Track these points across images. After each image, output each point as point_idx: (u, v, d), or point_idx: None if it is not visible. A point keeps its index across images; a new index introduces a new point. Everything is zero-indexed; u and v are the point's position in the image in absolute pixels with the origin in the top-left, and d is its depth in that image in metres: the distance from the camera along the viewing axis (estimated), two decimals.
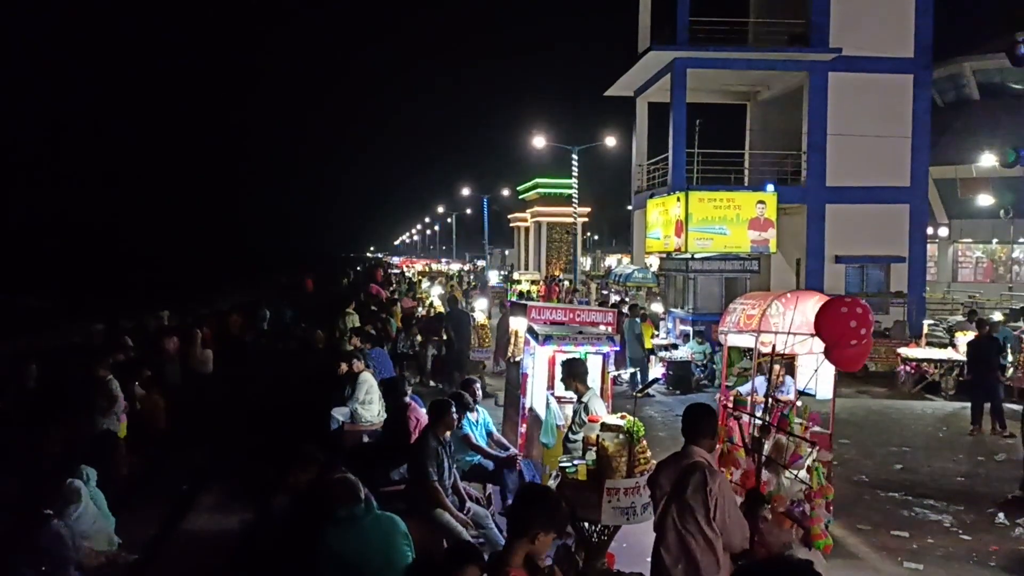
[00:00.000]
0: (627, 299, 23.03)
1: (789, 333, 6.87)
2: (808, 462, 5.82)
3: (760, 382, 7.78)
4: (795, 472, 5.68)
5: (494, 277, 42.44)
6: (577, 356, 7.55)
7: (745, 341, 8.24)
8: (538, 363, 8.27)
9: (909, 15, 22.95)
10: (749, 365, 9.72)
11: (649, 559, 4.87)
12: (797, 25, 23.37)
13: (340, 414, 9.83)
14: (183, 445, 11.68)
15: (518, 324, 10.26)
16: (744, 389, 8.58)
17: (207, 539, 8.29)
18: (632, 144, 28.98)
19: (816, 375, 7.07)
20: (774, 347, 6.98)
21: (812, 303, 7.07)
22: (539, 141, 33.94)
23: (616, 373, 8.88)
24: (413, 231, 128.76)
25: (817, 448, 6.24)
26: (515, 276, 41.85)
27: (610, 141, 33.65)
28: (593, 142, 34.26)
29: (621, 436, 5.90)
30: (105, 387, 11.00)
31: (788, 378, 8.54)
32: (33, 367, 15.02)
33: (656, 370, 16.76)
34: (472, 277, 48.41)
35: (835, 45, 22.34)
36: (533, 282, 36.94)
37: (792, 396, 7.88)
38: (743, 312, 7.90)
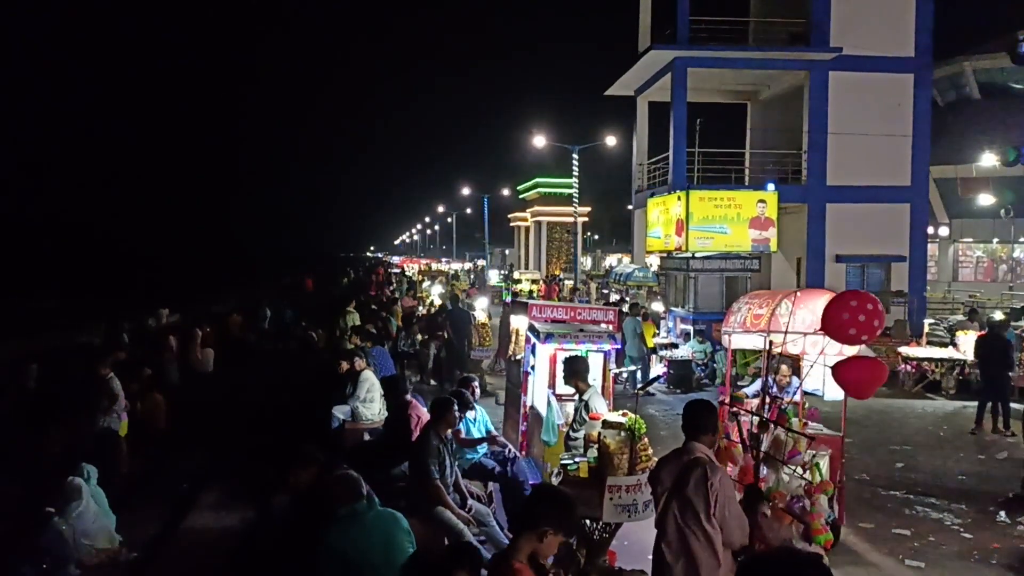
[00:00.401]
0: (627, 298, 23.02)
1: (800, 333, 6.79)
2: (806, 458, 5.81)
3: (770, 382, 7.72)
4: (793, 468, 5.68)
5: (494, 276, 42.43)
6: (578, 354, 7.55)
7: (750, 341, 8.16)
8: (539, 361, 8.26)
9: (909, 14, 22.93)
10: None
11: (650, 557, 4.86)
12: (797, 24, 23.36)
13: (341, 412, 9.81)
14: (183, 444, 11.68)
15: (519, 322, 10.25)
16: (751, 390, 8.49)
17: (208, 538, 8.28)
18: (632, 143, 28.96)
19: (824, 376, 7.01)
20: (772, 343, 6.95)
21: (822, 301, 7.02)
22: (539, 140, 33.93)
23: (618, 371, 8.85)
24: (413, 231, 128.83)
25: (822, 447, 6.21)
26: (515, 275, 41.85)
27: (610, 140, 33.65)
28: (593, 141, 34.24)
29: (623, 433, 5.89)
30: (106, 385, 11.00)
31: (794, 379, 8.44)
32: (34, 367, 15.06)
33: (657, 368, 16.76)
34: (472, 276, 48.41)
35: (835, 44, 22.32)
36: (533, 281, 36.93)
37: (797, 398, 7.81)
38: (749, 312, 7.83)
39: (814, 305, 7.11)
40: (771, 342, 6.83)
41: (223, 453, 10.88)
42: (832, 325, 6.09)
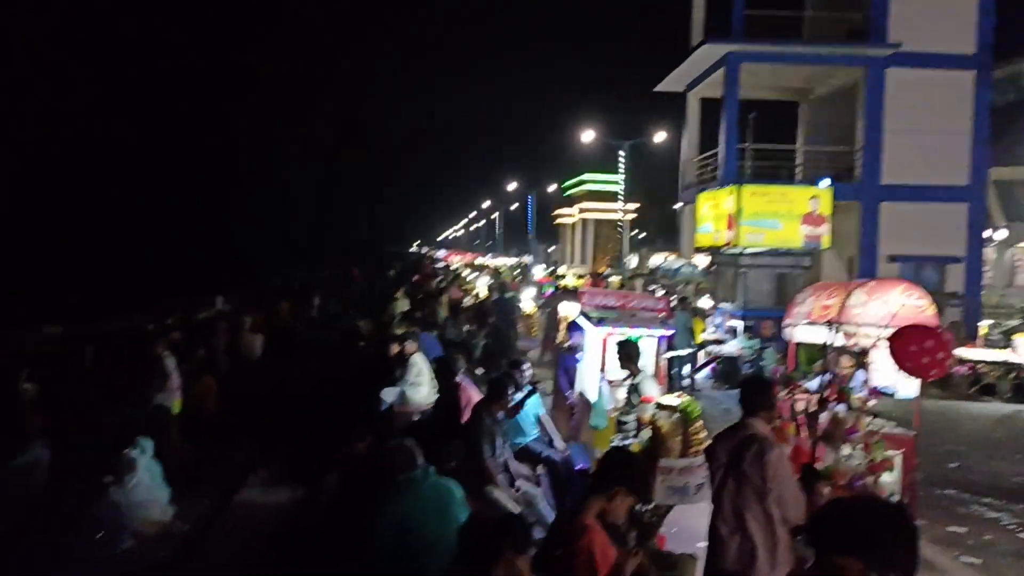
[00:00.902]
0: (676, 292, 22.87)
1: (873, 326, 6.57)
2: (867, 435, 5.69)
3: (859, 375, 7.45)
4: (854, 446, 5.56)
5: (539, 272, 42.40)
6: (630, 339, 7.51)
7: (815, 335, 7.84)
8: (590, 346, 8.24)
9: (971, 10, 22.43)
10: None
11: (700, 544, 4.84)
12: (855, 20, 22.99)
13: (390, 395, 9.86)
14: (234, 425, 11.86)
15: (567, 310, 10.24)
16: (811, 385, 8.25)
17: (258, 514, 8.39)
18: (681, 140, 28.76)
19: (897, 373, 6.74)
20: (843, 334, 6.69)
21: (896, 293, 6.81)
22: (587, 136, 33.82)
23: (671, 355, 8.76)
24: (459, 226, 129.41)
25: (893, 447, 6.01)
26: (560, 271, 41.78)
27: (660, 136, 33.44)
28: (639, 138, 34.03)
29: (676, 416, 5.85)
30: (160, 364, 11.22)
31: (859, 372, 8.12)
32: (90, 348, 15.46)
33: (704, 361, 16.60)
34: (517, 272, 48.43)
35: (894, 40, 21.92)
36: (579, 276, 36.84)
37: (863, 393, 7.51)
38: (816, 302, 7.54)
39: (888, 297, 6.86)
40: (843, 333, 6.62)
41: (272, 435, 11.01)
42: (903, 353, 5.85)
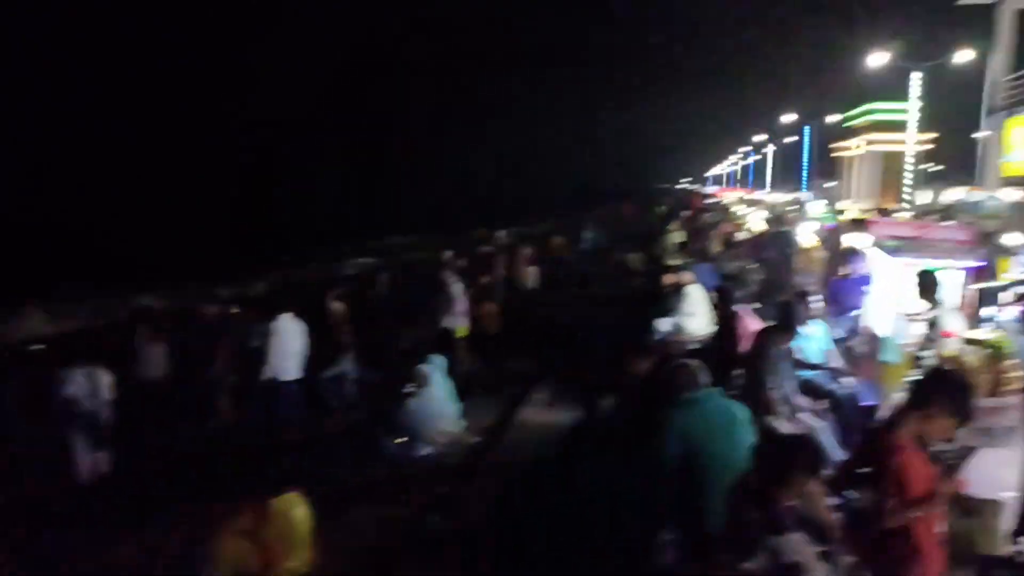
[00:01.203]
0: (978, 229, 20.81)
1: None
2: None
3: None
4: None
5: (817, 208, 40.23)
6: (928, 269, 6.97)
7: None
8: (882, 277, 7.74)
9: None
10: None
11: (1004, 493, 4.48)
12: None
13: (664, 325, 9.90)
14: (514, 349, 12.53)
15: (854, 240, 9.67)
16: None
17: (539, 430, 8.83)
18: (988, 59, 25.74)
19: None
20: None
21: None
22: (876, 59, 31.20)
23: (979, 287, 8.02)
24: (730, 161, 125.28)
25: None
26: (839, 206, 39.38)
27: (961, 57, 30.15)
28: (936, 60, 30.88)
29: (985, 351, 5.38)
30: (447, 289, 12.05)
31: None
32: (384, 275, 16.89)
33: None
34: (793, 208, 46.29)
35: None
36: (864, 211, 34.47)
37: None
38: None
39: None
40: None
41: (549, 358, 11.49)
42: None
